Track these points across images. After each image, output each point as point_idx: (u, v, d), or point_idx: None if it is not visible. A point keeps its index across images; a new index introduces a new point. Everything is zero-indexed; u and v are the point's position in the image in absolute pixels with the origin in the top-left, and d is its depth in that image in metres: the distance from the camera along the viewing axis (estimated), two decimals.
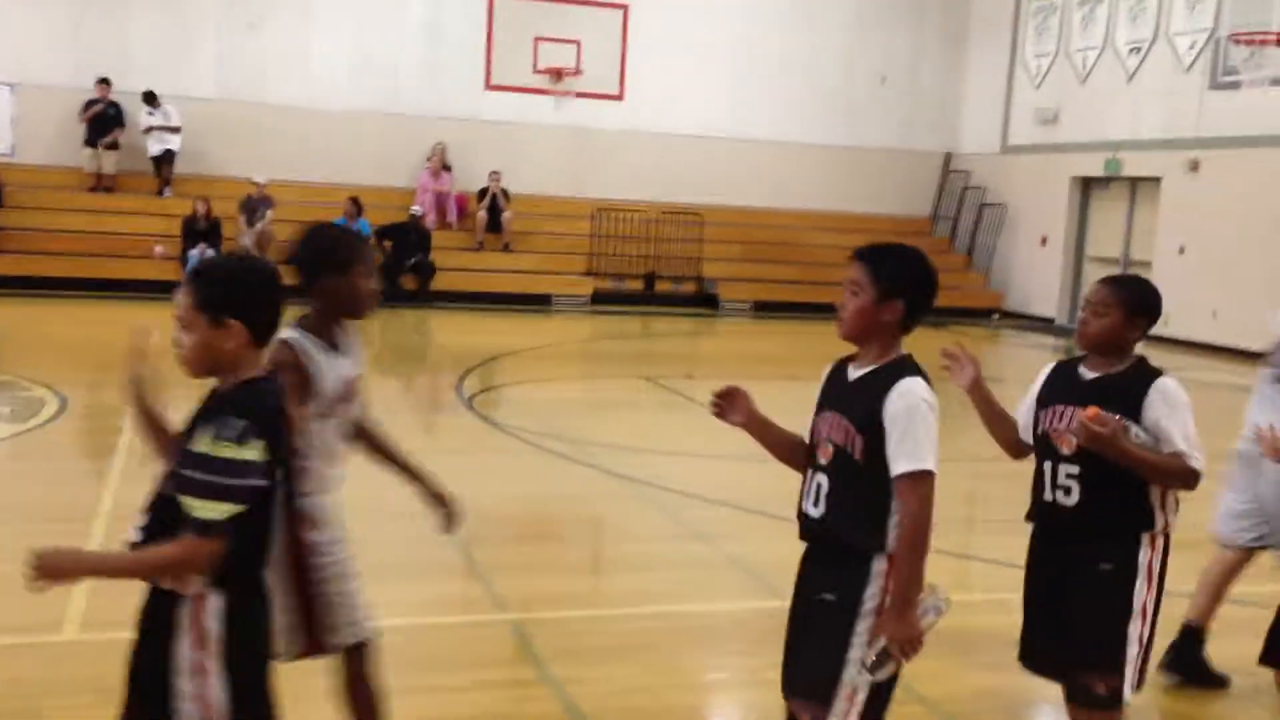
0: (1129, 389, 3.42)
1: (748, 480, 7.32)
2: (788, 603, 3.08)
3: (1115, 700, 3.42)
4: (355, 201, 17.39)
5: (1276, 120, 15.74)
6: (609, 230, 19.17)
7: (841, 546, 2.92)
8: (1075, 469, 3.43)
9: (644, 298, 19.06)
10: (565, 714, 4.29)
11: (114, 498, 6.70)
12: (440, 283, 17.69)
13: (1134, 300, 3.50)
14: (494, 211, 18.82)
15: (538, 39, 19.66)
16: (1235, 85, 16.22)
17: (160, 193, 17.93)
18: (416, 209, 18.01)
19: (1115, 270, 19.08)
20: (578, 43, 19.79)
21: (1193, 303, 16.12)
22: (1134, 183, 18.67)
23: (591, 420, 10.17)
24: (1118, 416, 3.31)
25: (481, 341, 14.55)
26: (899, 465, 2.82)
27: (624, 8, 20.04)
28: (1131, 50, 18.34)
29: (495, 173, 18.82)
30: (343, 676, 3.41)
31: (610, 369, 14.29)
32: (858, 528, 2.89)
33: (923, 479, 2.81)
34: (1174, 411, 3.37)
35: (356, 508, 6.30)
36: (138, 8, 18.06)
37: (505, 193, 18.91)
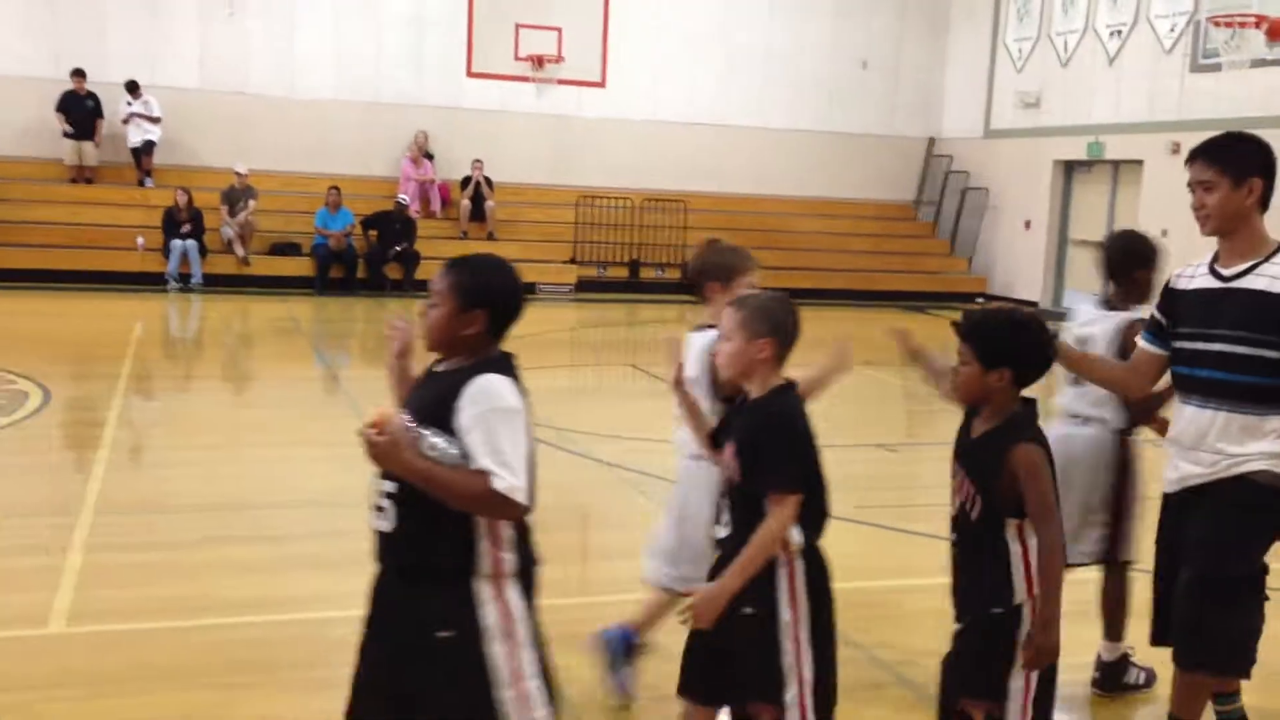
0: (450, 390, 2.65)
1: None
2: None
3: None
4: (336, 190, 17.38)
5: (1257, 103, 15.78)
6: (592, 218, 19.14)
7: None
8: (389, 487, 2.65)
9: (628, 285, 19.04)
10: None
11: (100, 490, 6.69)
12: (425, 271, 17.61)
13: (465, 287, 2.72)
14: (477, 200, 18.78)
15: (519, 26, 19.59)
16: (1216, 68, 16.26)
17: (141, 184, 17.84)
18: (403, 198, 17.95)
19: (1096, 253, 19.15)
20: (559, 30, 19.72)
21: None
22: (1116, 166, 18.71)
23: (578, 408, 10.17)
24: (410, 421, 2.60)
25: None
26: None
27: None
28: (1112, 33, 18.37)
29: (478, 161, 18.77)
30: None
31: (596, 357, 14.27)
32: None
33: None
34: (482, 418, 2.61)
35: (346, 500, 6.23)
36: None
37: (488, 181, 18.86)
